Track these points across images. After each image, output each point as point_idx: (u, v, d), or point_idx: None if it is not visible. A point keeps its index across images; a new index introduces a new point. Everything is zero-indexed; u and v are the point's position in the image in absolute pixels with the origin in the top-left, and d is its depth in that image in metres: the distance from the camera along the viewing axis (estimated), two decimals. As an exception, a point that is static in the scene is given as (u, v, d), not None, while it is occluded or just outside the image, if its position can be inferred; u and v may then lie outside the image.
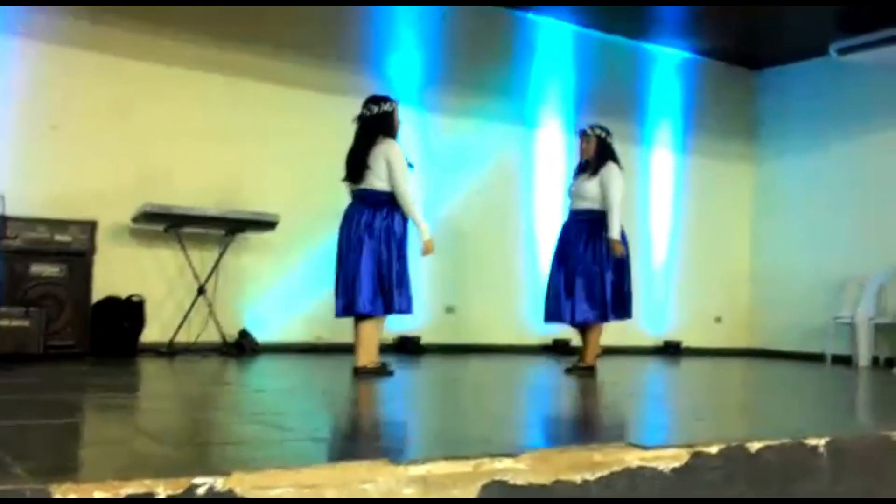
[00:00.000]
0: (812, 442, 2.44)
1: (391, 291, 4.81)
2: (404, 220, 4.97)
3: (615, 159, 5.75)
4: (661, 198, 9.35)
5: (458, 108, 7.95)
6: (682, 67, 9.53)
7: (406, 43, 7.83)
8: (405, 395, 4.39)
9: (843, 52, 8.53)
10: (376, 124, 5.05)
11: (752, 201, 9.95)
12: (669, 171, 9.43)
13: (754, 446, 2.31)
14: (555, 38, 8.69)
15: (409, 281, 4.93)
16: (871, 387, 6.11)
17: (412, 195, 5.00)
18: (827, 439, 2.46)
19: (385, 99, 5.16)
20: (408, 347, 7.29)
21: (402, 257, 4.92)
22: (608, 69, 8.86)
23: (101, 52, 6.38)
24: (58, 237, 5.64)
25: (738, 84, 9.95)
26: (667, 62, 9.45)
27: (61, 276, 5.62)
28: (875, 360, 8.31)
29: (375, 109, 5.09)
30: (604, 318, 5.65)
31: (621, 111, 8.95)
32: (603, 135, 5.80)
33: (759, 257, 9.83)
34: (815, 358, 8.62)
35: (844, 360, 8.43)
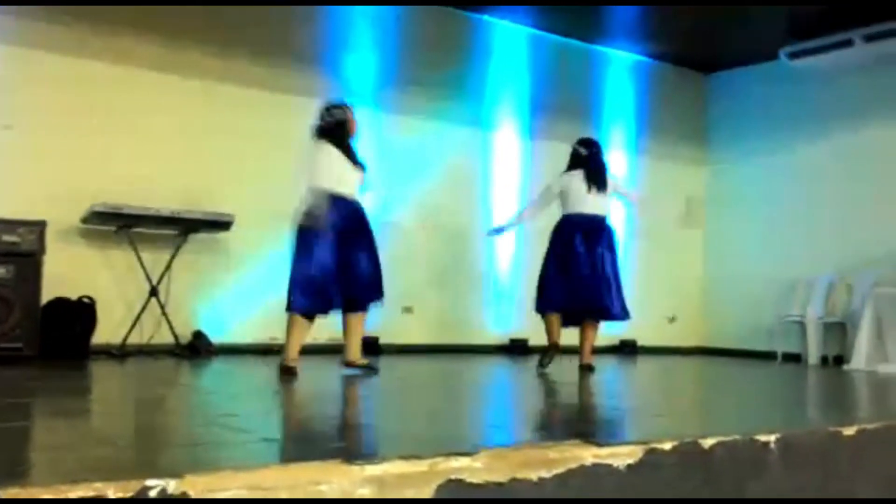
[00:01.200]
0: (763, 438, 2.47)
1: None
2: (350, 214, 5.02)
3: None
4: (615, 199, 9.41)
5: (414, 109, 7.94)
6: (635, 70, 9.63)
7: (362, 43, 7.79)
8: (362, 396, 4.37)
9: (793, 56, 8.68)
10: (331, 133, 5.08)
11: (703, 202, 10.08)
12: (623, 172, 9.51)
13: (707, 443, 2.33)
14: (510, 40, 8.73)
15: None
16: (820, 384, 6.22)
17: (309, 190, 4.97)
18: (778, 435, 2.50)
19: (339, 106, 5.21)
20: (366, 348, 7.23)
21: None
22: (563, 72, 8.92)
23: (57, 52, 6.26)
24: (5, 237, 5.51)
25: (690, 87, 10.09)
26: (620, 65, 9.54)
27: (9, 277, 5.50)
28: (824, 359, 8.47)
29: (329, 119, 5.13)
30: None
31: (576, 113, 9.01)
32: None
33: (711, 258, 9.97)
34: (766, 356, 8.77)
35: (794, 358, 8.59)
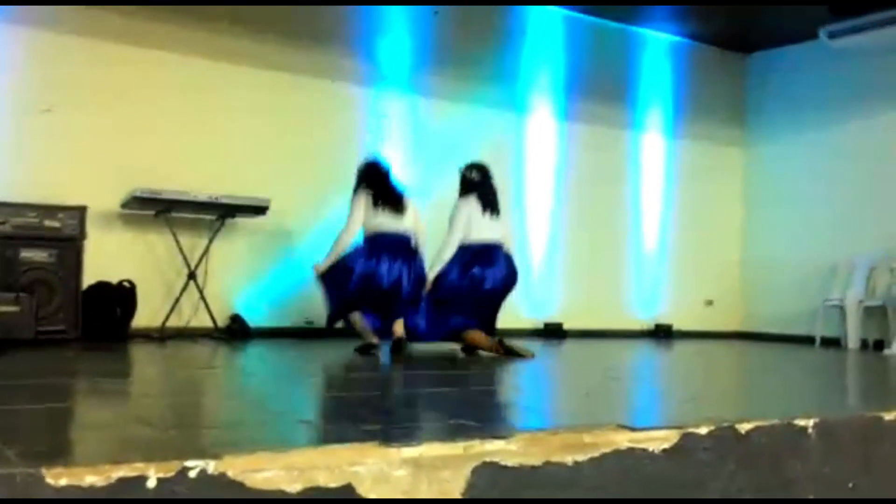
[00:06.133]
0: (802, 422, 2.45)
1: None
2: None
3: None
4: (652, 182, 9.36)
5: (448, 93, 7.92)
6: (672, 51, 9.51)
7: (396, 26, 7.78)
8: (398, 380, 4.39)
9: (833, 35, 8.51)
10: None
11: (742, 184, 9.97)
12: (660, 155, 9.43)
13: (744, 427, 2.32)
14: (545, 21, 8.66)
15: None
16: (860, 369, 6.14)
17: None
18: (816, 420, 2.47)
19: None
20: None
21: None
22: (598, 53, 8.84)
23: (93, 37, 6.33)
24: (47, 223, 5.60)
25: (729, 68, 9.94)
26: (657, 46, 9.43)
27: (51, 261, 5.59)
28: (864, 343, 8.35)
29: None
30: None
31: (612, 95, 8.95)
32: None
33: (750, 241, 9.85)
34: (805, 340, 8.66)
35: (834, 343, 8.48)
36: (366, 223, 5.51)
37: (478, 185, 5.85)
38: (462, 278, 5.66)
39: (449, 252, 5.68)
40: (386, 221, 5.47)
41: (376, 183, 5.56)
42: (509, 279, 5.78)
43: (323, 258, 5.56)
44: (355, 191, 5.60)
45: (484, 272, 5.65)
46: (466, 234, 5.70)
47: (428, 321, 5.70)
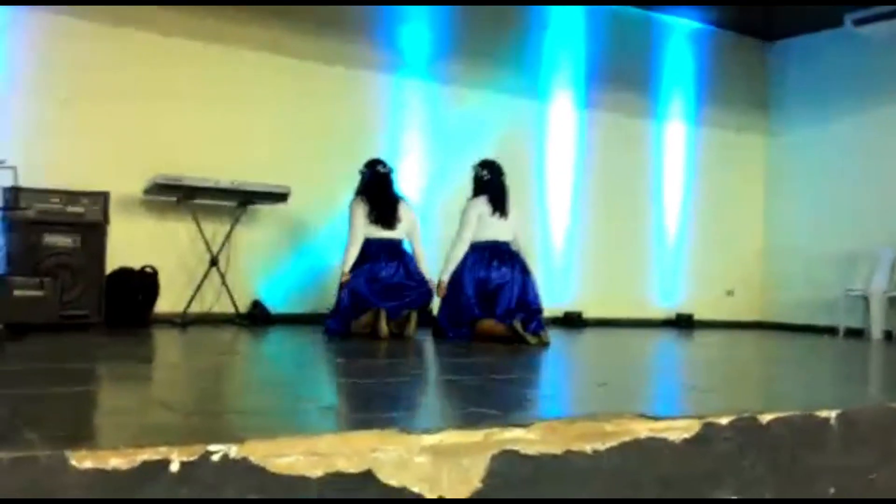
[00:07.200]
0: (823, 414, 2.43)
1: None
2: None
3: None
4: (674, 170, 9.30)
5: (467, 80, 7.90)
6: (694, 38, 9.43)
7: (416, 13, 7.76)
8: (418, 368, 4.41)
9: (858, 22, 8.40)
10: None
11: (764, 173, 9.89)
12: (681, 143, 9.37)
13: (765, 418, 2.31)
14: (566, 8, 8.60)
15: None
16: (883, 360, 6.09)
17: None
18: (839, 411, 2.46)
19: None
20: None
21: None
22: (620, 40, 8.77)
23: (113, 24, 6.34)
24: (70, 208, 5.65)
25: (752, 55, 9.85)
26: (679, 32, 9.36)
27: (75, 246, 5.64)
28: (888, 334, 8.28)
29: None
30: None
31: (633, 83, 8.89)
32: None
33: (772, 229, 9.78)
34: (828, 331, 8.61)
35: (857, 334, 8.41)
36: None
37: (489, 184, 6.06)
38: (471, 277, 5.84)
39: (459, 251, 5.94)
40: (377, 231, 5.92)
41: (374, 196, 5.96)
42: (517, 275, 5.88)
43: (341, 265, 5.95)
44: (356, 196, 6.00)
45: (489, 272, 5.84)
46: (476, 234, 5.94)
47: (445, 321, 5.89)
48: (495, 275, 5.84)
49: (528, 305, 5.78)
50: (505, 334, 5.56)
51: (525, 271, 5.95)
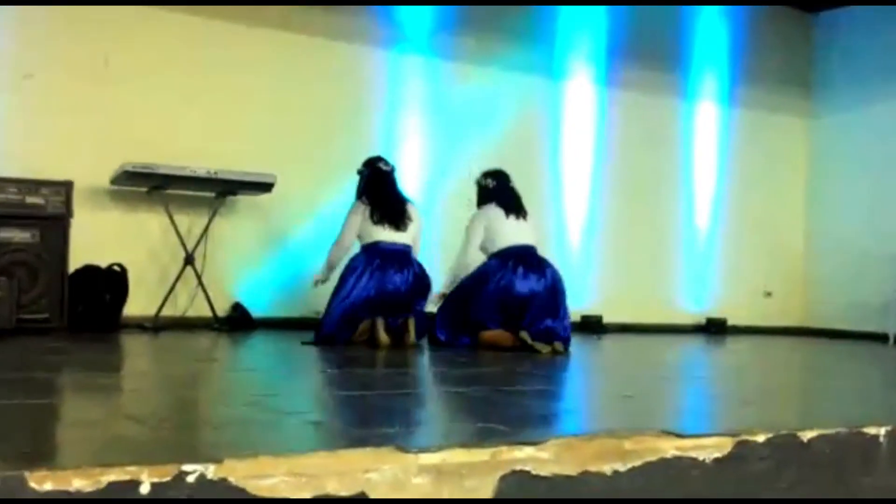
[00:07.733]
0: (872, 431, 2.43)
1: None
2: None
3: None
4: (705, 156, 9.30)
5: (474, 56, 7.91)
6: (728, 10, 9.42)
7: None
8: (417, 378, 4.41)
9: (915, -9, 8.41)
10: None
11: (807, 160, 9.89)
12: (713, 126, 9.37)
13: (807, 435, 2.31)
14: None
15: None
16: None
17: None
18: (888, 428, 2.46)
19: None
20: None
21: None
22: (644, 10, 8.76)
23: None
24: (29, 199, 5.65)
25: (793, 28, 9.84)
26: (711, 3, 9.34)
27: (34, 242, 5.65)
28: (945, 342, 8.30)
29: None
30: None
31: (660, 60, 8.89)
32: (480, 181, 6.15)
33: (815, 224, 9.78)
34: (877, 338, 8.61)
35: (910, 341, 8.43)
36: (363, 235, 5.81)
37: (495, 192, 6.03)
38: (493, 283, 5.73)
39: (466, 261, 5.92)
40: (385, 235, 5.77)
41: (378, 195, 5.86)
42: (548, 283, 5.77)
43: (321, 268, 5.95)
44: (356, 200, 5.93)
45: (513, 280, 5.71)
46: (492, 243, 5.87)
47: (443, 324, 5.88)
48: (520, 285, 5.68)
49: (555, 334, 5.60)
50: (512, 345, 5.54)
51: (557, 283, 5.80)
